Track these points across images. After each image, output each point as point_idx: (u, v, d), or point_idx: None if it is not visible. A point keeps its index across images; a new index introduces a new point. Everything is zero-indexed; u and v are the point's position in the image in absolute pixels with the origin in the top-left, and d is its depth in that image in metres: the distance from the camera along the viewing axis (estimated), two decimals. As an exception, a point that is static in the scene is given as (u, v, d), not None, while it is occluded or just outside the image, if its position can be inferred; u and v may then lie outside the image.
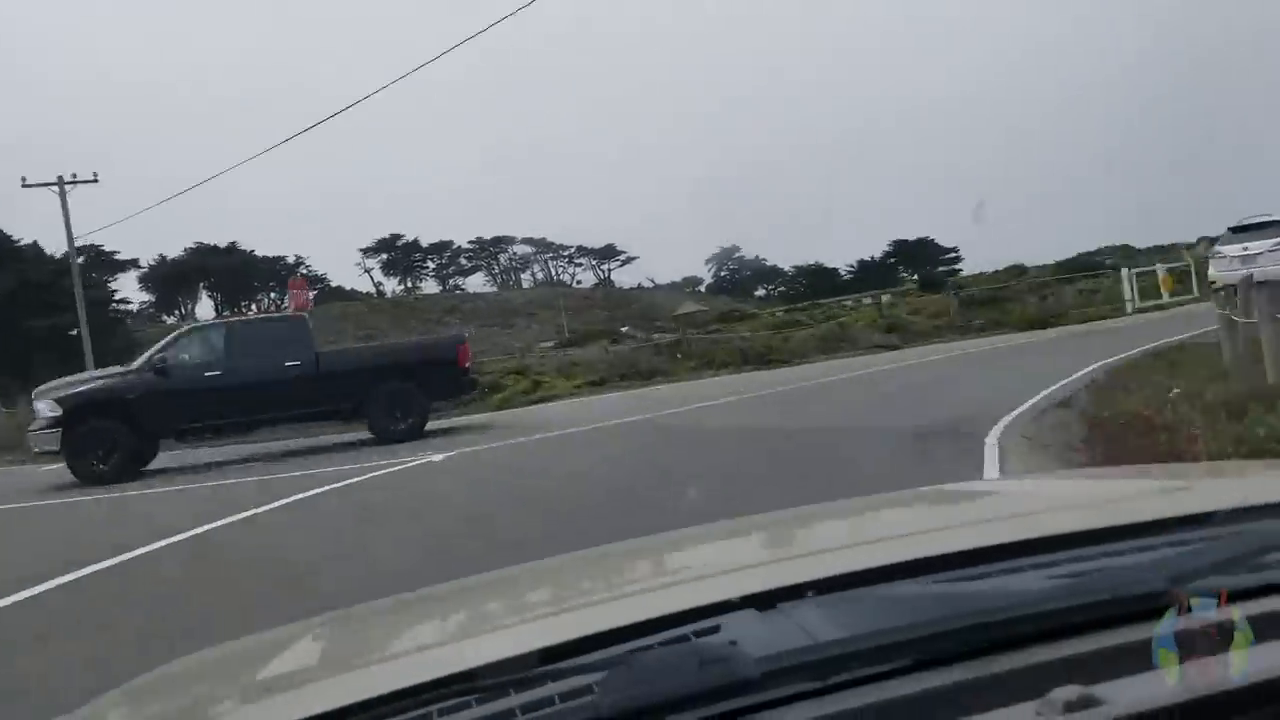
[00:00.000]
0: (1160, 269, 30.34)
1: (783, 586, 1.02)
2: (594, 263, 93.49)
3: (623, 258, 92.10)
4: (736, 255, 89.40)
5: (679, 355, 26.31)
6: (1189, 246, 34.05)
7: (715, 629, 0.96)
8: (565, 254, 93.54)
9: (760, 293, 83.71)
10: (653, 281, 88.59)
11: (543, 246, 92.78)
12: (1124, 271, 31.22)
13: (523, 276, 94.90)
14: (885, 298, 40.82)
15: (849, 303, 46.21)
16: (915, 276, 65.58)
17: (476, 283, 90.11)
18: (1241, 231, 19.33)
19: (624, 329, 43.14)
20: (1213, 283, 18.55)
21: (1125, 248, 53.72)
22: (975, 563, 1.07)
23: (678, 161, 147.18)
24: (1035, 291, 34.15)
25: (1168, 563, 0.95)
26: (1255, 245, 18.43)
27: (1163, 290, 28.89)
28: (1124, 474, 2.21)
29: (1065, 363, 14.26)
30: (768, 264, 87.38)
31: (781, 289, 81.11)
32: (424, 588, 1.63)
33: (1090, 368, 13.23)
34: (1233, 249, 18.93)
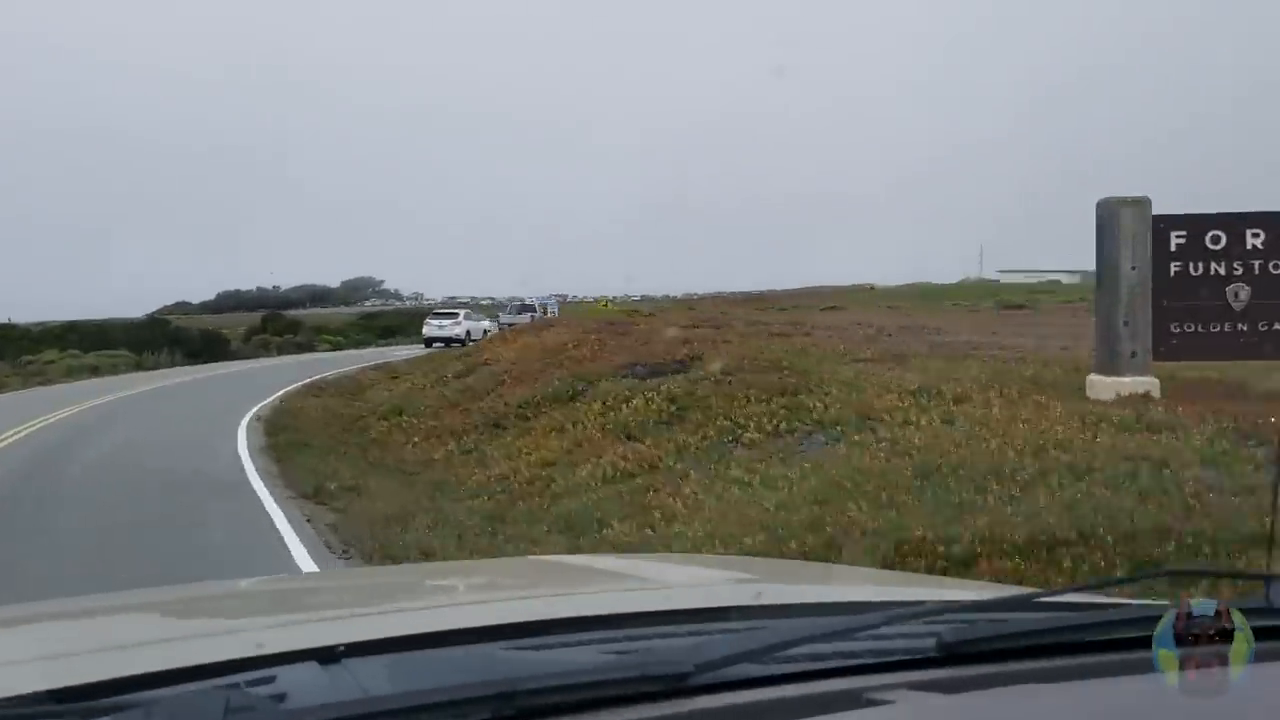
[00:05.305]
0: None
1: (343, 643, 1.07)
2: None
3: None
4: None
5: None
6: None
7: (271, 679, 0.98)
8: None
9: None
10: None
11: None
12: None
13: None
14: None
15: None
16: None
17: None
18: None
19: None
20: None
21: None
22: (534, 633, 1.17)
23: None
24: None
25: (698, 648, 1.06)
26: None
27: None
28: (692, 560, 2.28)
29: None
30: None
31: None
32: None
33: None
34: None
